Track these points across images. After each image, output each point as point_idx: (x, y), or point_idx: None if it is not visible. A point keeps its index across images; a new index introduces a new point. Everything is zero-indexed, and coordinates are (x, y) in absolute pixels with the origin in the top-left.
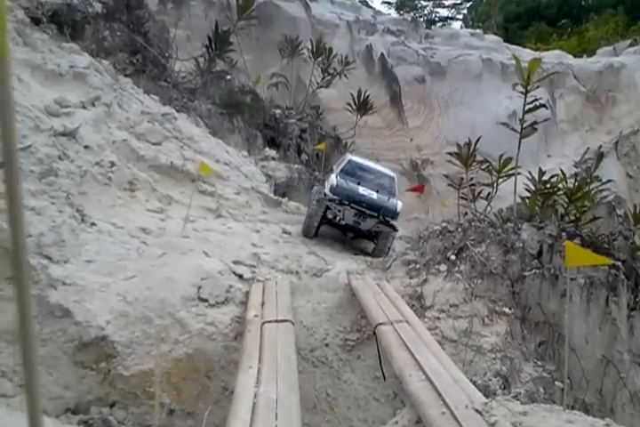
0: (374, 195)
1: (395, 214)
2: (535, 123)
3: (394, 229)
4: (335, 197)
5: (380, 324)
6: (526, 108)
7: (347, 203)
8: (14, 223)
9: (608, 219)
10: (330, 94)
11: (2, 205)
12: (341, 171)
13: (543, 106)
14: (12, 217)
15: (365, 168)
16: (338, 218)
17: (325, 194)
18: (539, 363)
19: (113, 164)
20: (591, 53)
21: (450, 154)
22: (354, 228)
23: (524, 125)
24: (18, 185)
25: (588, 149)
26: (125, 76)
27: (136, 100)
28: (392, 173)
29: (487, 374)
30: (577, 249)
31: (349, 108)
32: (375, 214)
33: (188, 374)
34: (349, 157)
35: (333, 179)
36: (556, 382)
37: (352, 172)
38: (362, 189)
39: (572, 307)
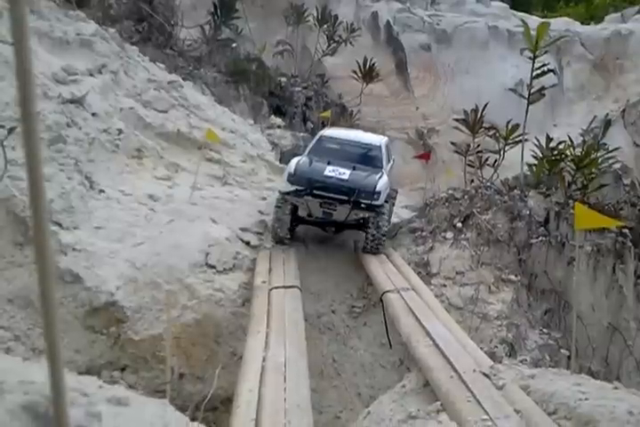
0: (346, 174)
1: (374, 195)
2: (543, 88)
3: (379, 212)
4: (290, 189)
5: (387, 291)
6: (534, 73)
7: (307, 192)
8: (34, 186)
9: (614, 188)
10: (335, 62)
11: (14, 173)
12: (310, 151)
13: (551, 71)
14: (31, 180)
15: (342, 141)
16: (306, 213)
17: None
18: (544, 330)
19: (120, 131)
20: (599, 20)
21: (457, 120)
22: (327, 221)
23: (532, 91)
24: (37, 147)
25: (595, 117)
26: (131, 44)
27: (142, 68)
28: (379, 142)
29: (493, 341)
30: (586, 211)
31: (355, 76)
32: (346, 199)
33: (197, 340)
34: (322, 132)
35: (292, 164)
36: (562, 350)
37: (323, 149)
38: (329, 170)
39: (579, 274)
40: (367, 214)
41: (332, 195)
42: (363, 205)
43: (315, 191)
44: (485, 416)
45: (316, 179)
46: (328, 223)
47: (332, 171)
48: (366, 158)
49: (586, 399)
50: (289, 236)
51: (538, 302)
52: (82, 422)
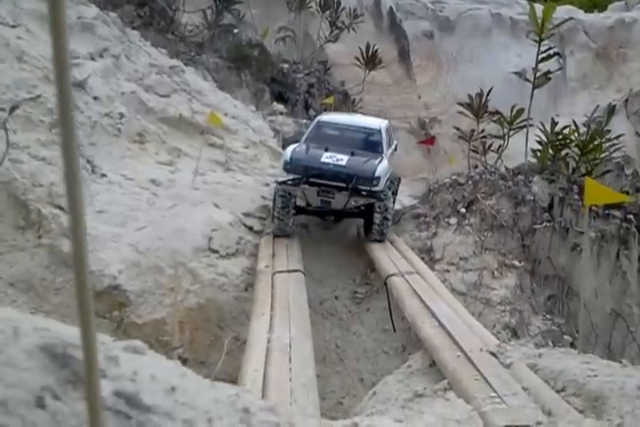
0: (343, 160)
1: (373, 180)
2: (549, 72)
3: (379, 198)
4: (286, 178)
5: (391, 275)
6: (540, 57)
7: (304, 180)
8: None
9: (616, 177)
10: (338, 49)
11: (15, 156)
12: (307, 138)
13: (557, 54)
14: (67, 170)
15: (340, 126)
16: (304, 203)
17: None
18: (548, 316)
19: (122, 115)
20: (602, 9)
21: (461, 105)
22: (326, 210)
23: (537, 75)
24: (72, 133)
25: (598, 106)
26: (133, 28)
27: (144, 53)
28: (378, 125)
29: (496, 327)
30: (597, 186)
31: (357, 63)
32: (344, 185)
33: (201, 324)
34: (319, 117)
35: (287, 152)
36: (565, 336)
37: (321, 135)
38: (326, 156)
39: (584, 260)
40: (367, 201)
41: (328, 182)
42: (363, 192)
43: (311, 179)
44: (493, 394)
45: (313, 166)
46: (327, 212)
47: (329, 157)
48: (366, 143)
49: (595, 376)
50: (293, 230)
51: (541, 287)
52: (101, 364)
